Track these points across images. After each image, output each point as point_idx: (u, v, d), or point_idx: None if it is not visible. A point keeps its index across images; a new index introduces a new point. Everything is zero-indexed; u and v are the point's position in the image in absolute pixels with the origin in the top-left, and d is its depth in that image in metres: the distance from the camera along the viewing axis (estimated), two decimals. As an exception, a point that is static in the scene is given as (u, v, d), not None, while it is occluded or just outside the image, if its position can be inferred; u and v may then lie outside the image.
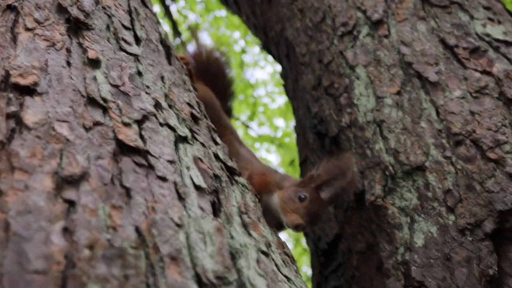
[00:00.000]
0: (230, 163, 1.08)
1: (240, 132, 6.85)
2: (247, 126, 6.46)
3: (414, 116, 1.37)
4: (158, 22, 1.57)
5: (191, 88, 1.28)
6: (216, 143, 1.15)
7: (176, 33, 6.40)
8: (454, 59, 1.45)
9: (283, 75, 2.30)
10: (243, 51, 6.71)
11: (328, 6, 1.87)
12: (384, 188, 1.31)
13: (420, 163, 1.27)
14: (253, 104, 6.58)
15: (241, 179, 1.12)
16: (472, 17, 1.58)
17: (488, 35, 1.50)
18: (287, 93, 2.23)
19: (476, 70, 1.39)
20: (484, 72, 1.38)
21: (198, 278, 0.70)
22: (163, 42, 1.34)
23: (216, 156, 1.06)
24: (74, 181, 0.72)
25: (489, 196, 1.10)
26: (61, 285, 0.57)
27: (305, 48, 1.92)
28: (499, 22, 1.57)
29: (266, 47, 2.62)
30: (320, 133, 1.68)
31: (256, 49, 6.70)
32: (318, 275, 1.60)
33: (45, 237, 0.61)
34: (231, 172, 1.06)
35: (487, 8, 1.63)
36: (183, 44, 6.28)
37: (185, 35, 6.81)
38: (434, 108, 1.36)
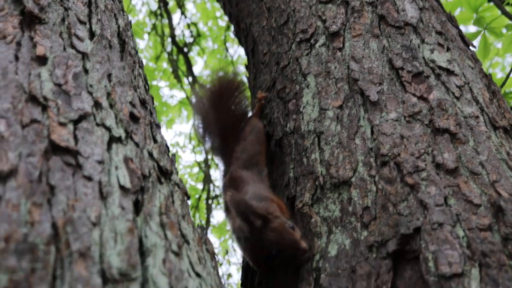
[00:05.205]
0: (163, 162, 1.16)
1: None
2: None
3: (351, 132, 1.46)
4: (122, 10, 1.62)
5: (141, 84, 1.35)
6: (155, 141, 1.22)
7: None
8: (397, 81, 1.54)
9: (248, 68, 2.36)
10: (228, 26, 6.71)
11: (292, 9, 1.94)
12: (312, 197, 1.41)
13: (347, 178, 1.37)
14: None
15: (174, 177, 1.20)
16: (423, 41, 1.66)
17: (433, 61, 1.58)
18: (249, 87, 2.31)
19: (414, 95, 1.48)
20: (421, 97, 1.47)
21: (103, 273, 0.79)
22: (120, 35, 1.40)
23: (150, 155, 1.14)
24: (1, 177, 0.80)
25: (398, 218, 1.20)
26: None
27: (267, 48, 1.99)
28: (448, 49, 1.65)
29: (238, 37, 2.68)
30: (267, 133, 1.76)
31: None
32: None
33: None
34: (162, 171, 1.14)
35: (439, 33, 1.71)
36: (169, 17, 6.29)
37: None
38: (369, 126, 1.44)
